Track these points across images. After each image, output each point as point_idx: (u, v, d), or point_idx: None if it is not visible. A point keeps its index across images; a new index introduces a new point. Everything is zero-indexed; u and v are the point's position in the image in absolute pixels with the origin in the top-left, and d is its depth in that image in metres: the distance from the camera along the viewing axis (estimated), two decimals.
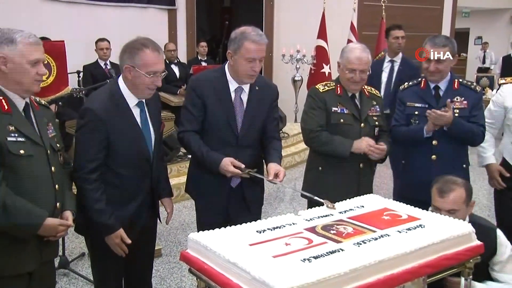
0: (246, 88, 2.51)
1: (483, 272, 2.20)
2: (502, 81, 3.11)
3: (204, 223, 2.52)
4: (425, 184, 2.47)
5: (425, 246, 1.64)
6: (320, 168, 2.83)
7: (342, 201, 2.10)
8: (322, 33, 7.50)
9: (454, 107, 2.74)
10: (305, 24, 7.86)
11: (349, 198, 2.15)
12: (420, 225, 1.80)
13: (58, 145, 2.05)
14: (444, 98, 2.77)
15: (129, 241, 2.17)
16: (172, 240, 4.13)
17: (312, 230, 1.76)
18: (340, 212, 1.96)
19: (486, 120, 2.89)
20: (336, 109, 2.74)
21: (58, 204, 1.98)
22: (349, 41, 6.76)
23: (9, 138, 1.82)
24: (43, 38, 4.32)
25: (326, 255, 1.52)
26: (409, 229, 1.76)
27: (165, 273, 3.54)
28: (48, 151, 1.95)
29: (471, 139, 2.83)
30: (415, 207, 2.01)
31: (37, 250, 1.94)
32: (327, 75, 7.25)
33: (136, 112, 2.22)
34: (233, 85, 2.49)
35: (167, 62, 6.39)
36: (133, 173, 2.22)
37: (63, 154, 2.13)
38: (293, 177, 5.90)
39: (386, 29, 5.19)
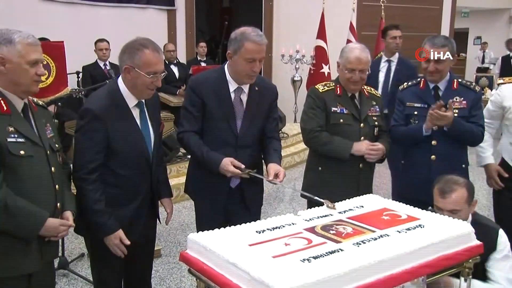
0: (246, 88, 2.51)
1: (479, 271, 2.19)
2: (500, 81, 3.10)
3: (204, 223, 2.51)
4: (425, 184, 2.47)
5: (424, 246, 1.65)
6: (320, 168, 2.83)
7: (341, 201, 2.10)
8: (321, 33, 7.51)
9: (454, 107, 2.74)
10: (305, 24, 7.87)
11: (349, 198, 2.15)
12: (420, 225, 1.80)
13: (56, 145, 2.05)
14: (444, 98, 2.77)
15: (128, 242, 2.17)
16: (171, 240, 4.13)
17: (312, 230, 1.76)
18: (340, 212, 1.96)
19: (484, 120, 2.89)
20: (335, 109, 2.74)
21: (58, 204, 1.98)
22: (348, 41, 6.76)
23: (9, 139, 1.82)
24: (42, 39, 4.34)
25: (325, 255, 1.52)
26: (408, 229, 1.77)
27: (165, 274, 3.54)
28: (48, 152, 1.95)
29: (471, 139, 2.83)
30: (414, 207, 2.01)
31: (38, 250, 1.94)
32: (326, 75, 7.26)
33: (135, 113, 2.22)
34: (232, 86, 2.49)
35: (167, 62, 6.39)
36: (132, 174, 2.22)
37: (62, 154, 2.13)
38: (293, 177, 5.90)
39: (383, 29, 5.17)
